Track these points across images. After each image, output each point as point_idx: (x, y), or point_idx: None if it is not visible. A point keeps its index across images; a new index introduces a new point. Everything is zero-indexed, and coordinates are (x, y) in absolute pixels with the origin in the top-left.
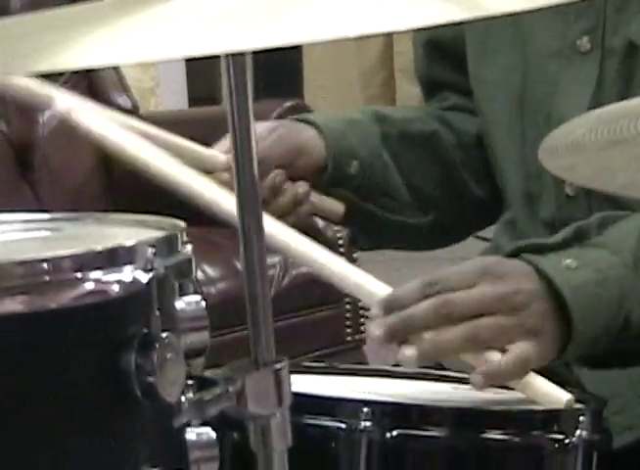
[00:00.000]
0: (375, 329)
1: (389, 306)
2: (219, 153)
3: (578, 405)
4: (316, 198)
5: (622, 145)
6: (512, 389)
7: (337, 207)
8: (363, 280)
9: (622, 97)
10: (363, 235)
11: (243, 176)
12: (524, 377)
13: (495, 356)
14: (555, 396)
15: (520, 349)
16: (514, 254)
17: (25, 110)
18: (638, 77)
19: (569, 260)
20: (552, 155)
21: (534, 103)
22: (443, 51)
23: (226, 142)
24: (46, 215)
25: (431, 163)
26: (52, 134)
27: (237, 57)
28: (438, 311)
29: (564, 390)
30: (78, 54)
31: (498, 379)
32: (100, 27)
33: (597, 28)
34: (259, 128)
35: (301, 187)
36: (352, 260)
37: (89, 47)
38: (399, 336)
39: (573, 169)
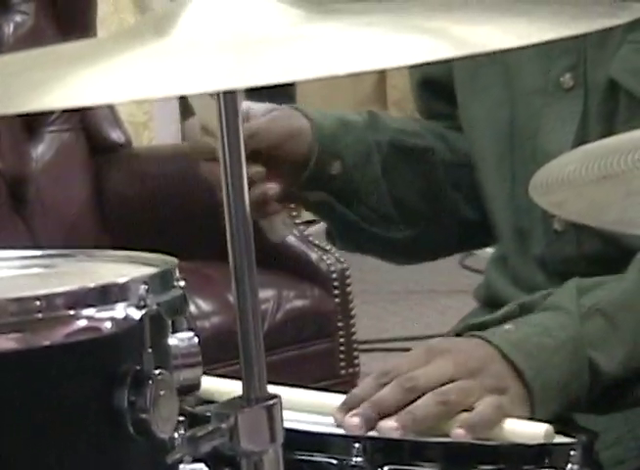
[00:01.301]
0: (352, 420)
1: (350, 405)
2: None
3: (570, 439)
4: (277, 211)
5: (613, 180)
6: None
7: (283, 231)
8: (317, 397)
9: (606, 133)
10: (338, 237)
11: (235, 214)
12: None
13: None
14: (532, 432)
15: (489, 399)
16: (458, 334)
17: (18, 144)
18: (621, 114)
19: (507, 326)
20: (542, 190)
21: (522, 139)
22: (437, 89)
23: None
24: (39, 252)
25: (421, 177)
26: (45, 168)
27: (229, 95)
28: (404, 387)
29: (539, 422)
30: (70, 93)
31: (478, 428)
32: (91, 66)
33: (579, 65)
34: (255, 107)
35: (272, 189)
36: (346, 294)
37: (80, 86)
38: (374, 417)
39: (564, 205)
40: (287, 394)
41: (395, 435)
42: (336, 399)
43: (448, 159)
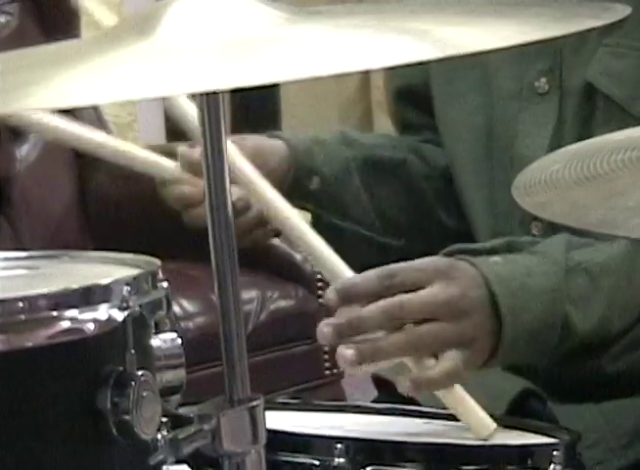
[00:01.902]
0: (323, 327)
1: (345, 294)
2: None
3: (552, 440)
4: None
5: (597, 181)
6: None
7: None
8: (331, 258)
9: (582, 137)
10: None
11: (217, 214)
12: (452, 387)
13: (429, 363)
14: (484, 422)
15: (450, 359)
16: (447, 255)
17: (3, 145)
18: (597, 118)
19: (496, 258)
20: (526, 192)
21: (499, 144)
22: (413, 98)
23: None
24: (23, 254)
25: (400, 189)
26: (30, 169)
27: (211, 95)
28: (389, 315)
29: (492, 419)
30: (54, 94)
31: (423, 388)
32: (75, 67)
33: (554, 69)
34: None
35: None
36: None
37: (64, 87)
38: (346, 337)
39: (547, 206)
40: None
41: (350, 363)
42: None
43: (425, 171)
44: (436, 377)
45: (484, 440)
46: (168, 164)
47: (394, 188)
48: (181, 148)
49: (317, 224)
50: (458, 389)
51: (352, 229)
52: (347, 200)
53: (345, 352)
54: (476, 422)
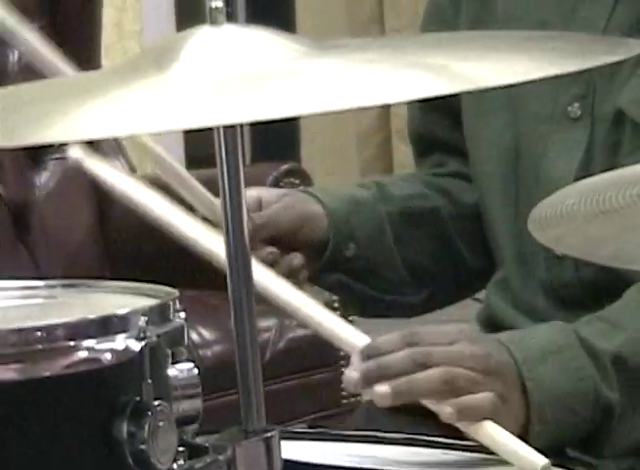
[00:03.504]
0: (351, 372)
1: (369, 355)
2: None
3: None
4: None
5: (611, 215)
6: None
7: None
8: (345, 330)
9: (610, 163)
10: (357, 310)
11: (233, 243)
12: (489, 422)
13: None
14: (531, 460)
15: (490, 395)
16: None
17: (22, 172)
18: (626, 145)
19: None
20: (541, 225)
21: (526, 164)
22: (439, 106)
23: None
24: (40, 283)
25: (430, 238)
26: (49, 196)
27: (229, 128)
28: (416, 360)
29: (540, 454)
30: (71, 126)
31: (467, 414)
32: (93, 99)
33: (587, 95)
34: (267, 194)
35: (296, 258)
36: (349, 323)
37: (82, 119)
38: (374, 380)
39: (562, 240)
40: (321, 314)
41: (385, 402)
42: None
43: (453, 212)
44: (479, 404)
45: None
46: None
47: (425, 238)
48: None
49: (345, 293)
50: (497, 427)
51: (378, 296)
52: (380, 260)
53: (380, 388)
54: (523, 463)
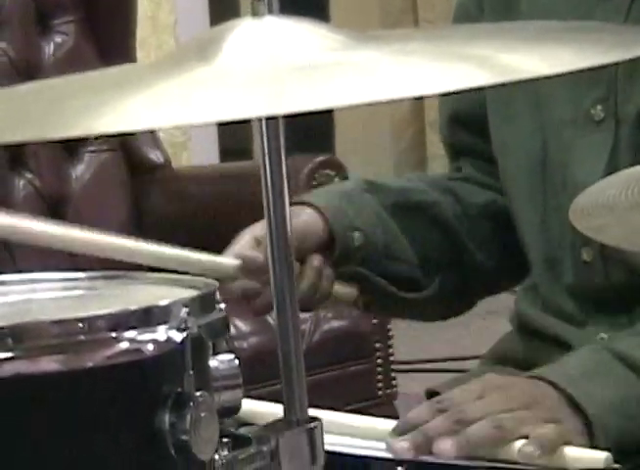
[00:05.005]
0: (400, 443)
1: (404, 430)
2: (230, 259)
3: (615, 465)
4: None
5: None
6: None
7: (350, 290)
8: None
9: (637, 164)
10: (377, 307)
11: (276, 233)
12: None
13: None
14: (593, 458)
15: (548, 426)
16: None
17: (58, 164)
18: None
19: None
20: (582, 215)
21: (553, 169)
22: (468, 122)
23: (235, 247)
24: (81, 274)
25: (432, 228)
26: (84, 188)
27: (271, 120)
28: (453, 419)
29: (600, 451)
30: (116, 118)
31: (546, 446)
32: (134, 91)
33: (610, 97)
34: (258, 231)
35: (315, 259)
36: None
37: (124, 111)
38: (423, 448)
39: (603, 230)
40: (330, 417)
41: (451, 454)
42: (379, 423)
43: (459, 211)
44: (552, 435)
45: None
46: (228, 265)
47: (426, 225)
48: (246, 251)
49: (362, 285)
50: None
51: (392, 290)
52: (390, 241)
53: (443, 445)
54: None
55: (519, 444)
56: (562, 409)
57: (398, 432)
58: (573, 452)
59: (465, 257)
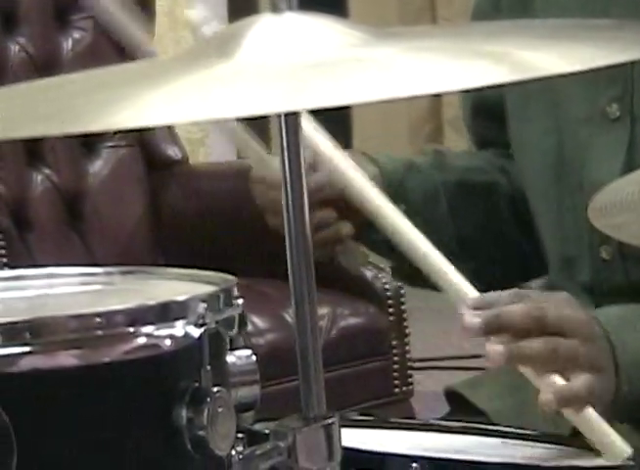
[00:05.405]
0: (471, 318)
1: (482, 307)
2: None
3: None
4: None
5: None
6: (561, 443)
7: (363, 258)
8: (457, 279)
9: None
10: (403, 275)
11: (295, 231)
12: (585, 408)
13: (561, 381)
14: (618, 447)
15: (585, 377)
16: None
17: (76, 160)
18: None
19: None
20: (602, 213)
21: (569, 168)
22: (490, 114)
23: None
24: (99, 269)
25: (483, 212)
26: (102, 184)
27: (291, 116)
28: (531, 314)
29: (625, 442)
30: (136, 113)
31: (568, 402)
32: (153, 87)
33: (625, 95)
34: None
35: (346, 227)
36: (400, 312)
37: (144, 106)
38: (493, 330)
39: (623, 228)
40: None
41: (498, 360)
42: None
43: (509, 192)
44: (581, 391)
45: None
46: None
47: (480, 212)
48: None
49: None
50: (592, 412)
51: None
52: (430, 227)
53: (497, 347)
54: (610, 446)
55: (549, 381)
56: (606, 357)
57: (473, 306)
58: (604, 430)
59: (508, 240)
